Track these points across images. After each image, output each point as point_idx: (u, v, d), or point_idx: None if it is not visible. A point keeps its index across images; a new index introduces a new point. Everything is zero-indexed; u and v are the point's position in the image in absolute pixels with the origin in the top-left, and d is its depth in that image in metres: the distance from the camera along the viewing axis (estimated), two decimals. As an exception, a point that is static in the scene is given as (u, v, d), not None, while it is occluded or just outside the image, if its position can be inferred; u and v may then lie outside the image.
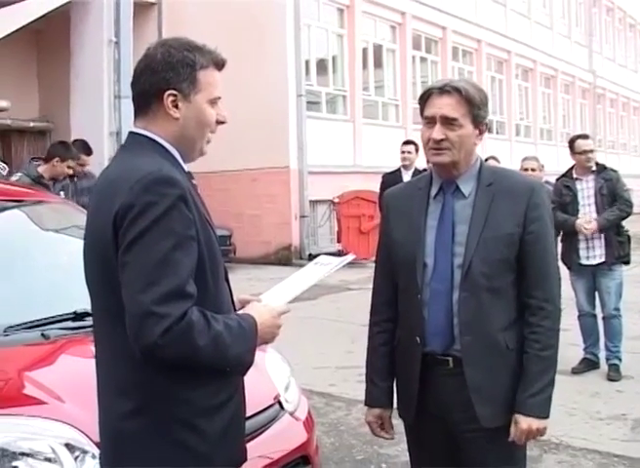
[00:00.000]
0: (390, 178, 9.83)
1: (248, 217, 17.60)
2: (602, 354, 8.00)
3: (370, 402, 3.26)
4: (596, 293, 7.78)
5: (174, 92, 2.36)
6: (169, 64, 2.35)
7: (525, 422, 2.94)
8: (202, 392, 2.30)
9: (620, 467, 5.28)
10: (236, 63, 16.53)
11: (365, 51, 20.56)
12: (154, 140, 2.36)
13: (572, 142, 7.86)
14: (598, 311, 7.92)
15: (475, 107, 2.95)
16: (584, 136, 8.06)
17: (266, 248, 17.61)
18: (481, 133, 3.01)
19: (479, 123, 2.98)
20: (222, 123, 2.49)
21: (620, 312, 7.71)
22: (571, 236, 7.67)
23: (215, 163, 16.41)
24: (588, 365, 7.93)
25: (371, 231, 16.45)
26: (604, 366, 7.87)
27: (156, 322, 2.09)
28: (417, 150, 10.34)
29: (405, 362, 3.10)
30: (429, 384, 3.02)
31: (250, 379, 2.52)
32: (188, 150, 2.43)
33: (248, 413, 2.89)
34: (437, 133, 2.93)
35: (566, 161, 8.16)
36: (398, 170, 10.40)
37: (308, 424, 3.99)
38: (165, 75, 2.35)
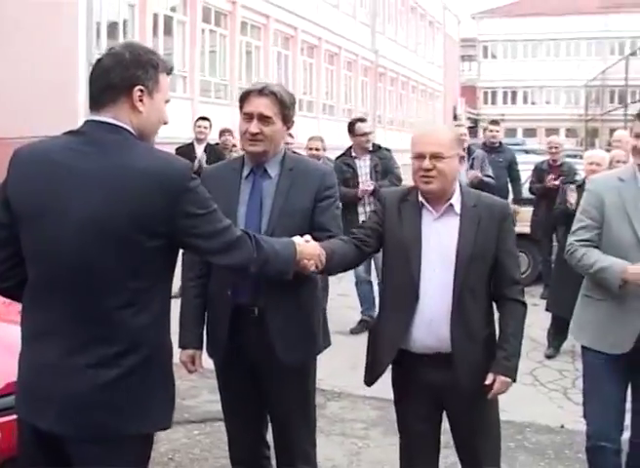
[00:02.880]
0: (184, 151, 10.27)
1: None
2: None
3: (184, 344, 3.80)
4: (372, 261, 8.59)
5: (142, 87, 2.67)
6: (139, 63, 2.68)
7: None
8: (170, 346, 2.82)
9: (392, 409, 6.03)
10: (24, 32, 15.93)
11: (155, 22, 20.63)
12: (130, 132, 2.66)
13: (352, 125, 8.62)
14: (373, 277, 8.74)
15: (286, 108, 3.59)
16: (363, 120, 8.89)
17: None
18: (288, 129, 3.68)
19: (287, 121, 3.62)
20: (165, 123, 2.82)
21: (393, 278, 8.55)
22: (351, 209, 8.39)
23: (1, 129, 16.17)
24: (365, 325, 8.74)
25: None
26: (379, 326, 8.71)
27: (244, 242, 2.83)
28: (210, 126, 10.91)
29: (217, 312, 3.69)
30: (238, 330, 3.62)
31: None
32: (145, 141, 2.74)
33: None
34: (254, 127, 3.55)
35: (344, 133, 8.89)
36: (191, 143, 10.85)
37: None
38: (136, 72, 2.66)
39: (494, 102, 63.34)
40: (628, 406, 4.23)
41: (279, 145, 3.70)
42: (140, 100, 2.68)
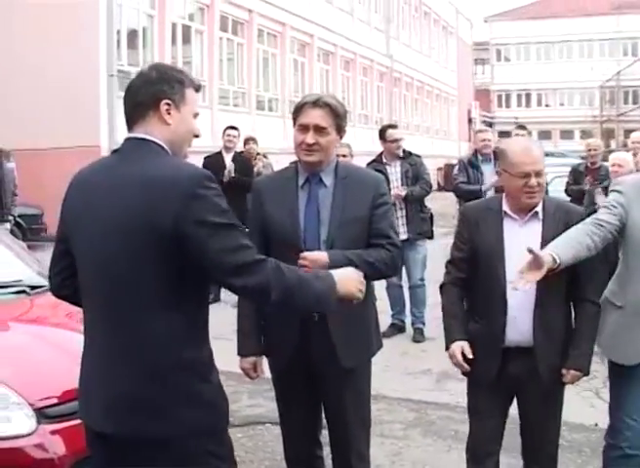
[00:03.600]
0: (213, 161, 10.45)
1: (59, 196, 17.38)
2: (408, 319, 9.02)
3: (244, 352, 3.90)
4: (403, 266, 8.71)
5: (168, 101, 2.80)
6: (164, 80, 2.82)
7: None
8: (206, 352, 2.84)
9: (428, 411, 6.24)
10: (46, 43, 16.01)
11: (174, 32, 20.83)
12: (158, 144, 2.78)
13: (383, 132, 8.71)
14: (403, 282, 8.87)
15: (339, 119, 3.70)
16: (394, 126, 8.98)
17: (78, 226, 17.53)
18: (341, 138, 3.78)
19: (341, 131, 3.74)
20: (197, 136, 2.94)
21: (424, 282, 8.71)
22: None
23: (24, 140, 16.33)
24: (396, 329, 8.93)
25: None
26: (410, 329, 8.89)
27: (263, 266, 2.68)
28: (239, 135, 11.08)
29: (284, 318, 3.68)
30: (301, 335, 3.70)
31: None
32: (176, 153, 2.85)
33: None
34: (310, 138, 3.65)
35: (362, 139, 8.97)
36: (219, 152, 10.98)
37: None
38: (161, 87, 2.80)
39: (508, 106, 63.38)
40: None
41: (333, 155, 3.81)
42: (168, 113, 2.80)
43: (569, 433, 5.79)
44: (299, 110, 3.73)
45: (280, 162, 3.92)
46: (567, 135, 58.25)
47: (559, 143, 52.56)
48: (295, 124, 3.75)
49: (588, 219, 3.91)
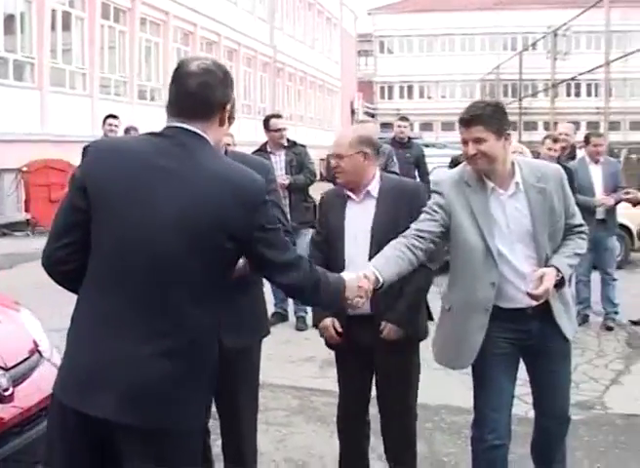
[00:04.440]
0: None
1: None
2: (290, 308, 9.09)
3: None
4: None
5: (230, 105, 2.90)
6: (229, 83, 2.89)
7: None
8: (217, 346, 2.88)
9: (312, 397, 6.33)
10: None
11: (54, 18, 20.34)
12: (210, 143, 2.81)
13: (267, 121, 8.74)
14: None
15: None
16: (278, 116, 9.01)
17: (-48, 217, 17.08)
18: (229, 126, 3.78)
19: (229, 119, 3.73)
20: None
21: (306, 270, 8.74)
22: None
23: None
24: (279, 318, 8.99)
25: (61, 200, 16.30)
26: (292, 318, 9.00)
27: (304, 263, 2.93)
28: (120, 124, 10.95)
29: None
30: None
31: (12, 333, 2.93)
32: None
33: (13, 363, 3.70)
34: None
35: (245, 130, 9.02)
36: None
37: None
38: (229, 91, 2.89)
39: (390, 97, 64.29)
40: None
41: (222, 143, 3.82)
42: (226, 116, 2.90)
43: (448, 416, 5.97)
44: None
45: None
46: (448, 126, 59.15)
47: (440, 135, 53.49)
48: None
49: (409, 231, 3.86)
